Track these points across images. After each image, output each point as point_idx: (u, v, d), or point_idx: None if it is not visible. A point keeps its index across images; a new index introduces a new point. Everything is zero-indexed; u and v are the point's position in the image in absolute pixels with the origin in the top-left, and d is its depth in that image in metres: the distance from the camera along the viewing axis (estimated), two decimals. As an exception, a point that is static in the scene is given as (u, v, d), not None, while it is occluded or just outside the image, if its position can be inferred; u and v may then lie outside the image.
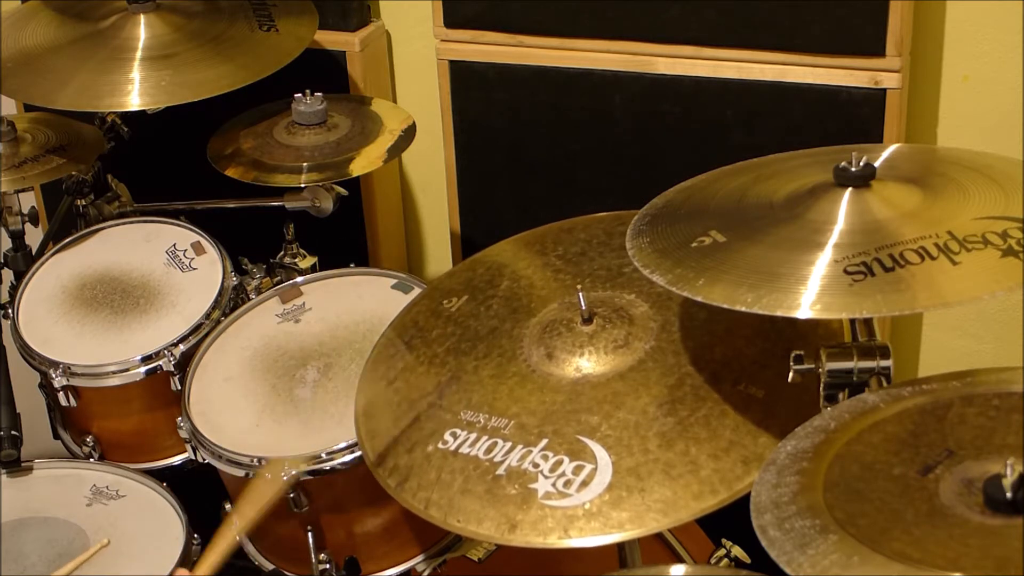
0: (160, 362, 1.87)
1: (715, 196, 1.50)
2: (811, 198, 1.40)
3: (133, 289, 1.99)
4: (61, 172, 2.07)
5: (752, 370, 1.46)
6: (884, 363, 1.33)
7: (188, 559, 1.69)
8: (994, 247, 1.26)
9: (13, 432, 1.88)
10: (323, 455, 1.67)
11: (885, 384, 1.32)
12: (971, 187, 1.38)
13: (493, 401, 1.50)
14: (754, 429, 1.39)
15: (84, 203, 2.15)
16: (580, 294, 1.55)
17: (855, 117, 1.90)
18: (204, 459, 1.76)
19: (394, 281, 1.95)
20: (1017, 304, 2.03)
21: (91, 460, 1.94)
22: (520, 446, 1.44)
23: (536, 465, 1.41)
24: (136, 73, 1.98)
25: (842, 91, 1.89)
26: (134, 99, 1.96)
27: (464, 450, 1.46)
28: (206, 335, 1.89)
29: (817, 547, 1.08)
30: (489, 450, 1.45)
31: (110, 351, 1.90)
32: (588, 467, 1.39)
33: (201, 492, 1.84)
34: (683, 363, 1.48)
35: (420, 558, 1.74)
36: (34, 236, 2.21)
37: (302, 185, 1.99)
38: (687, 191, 1.55)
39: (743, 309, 1.27)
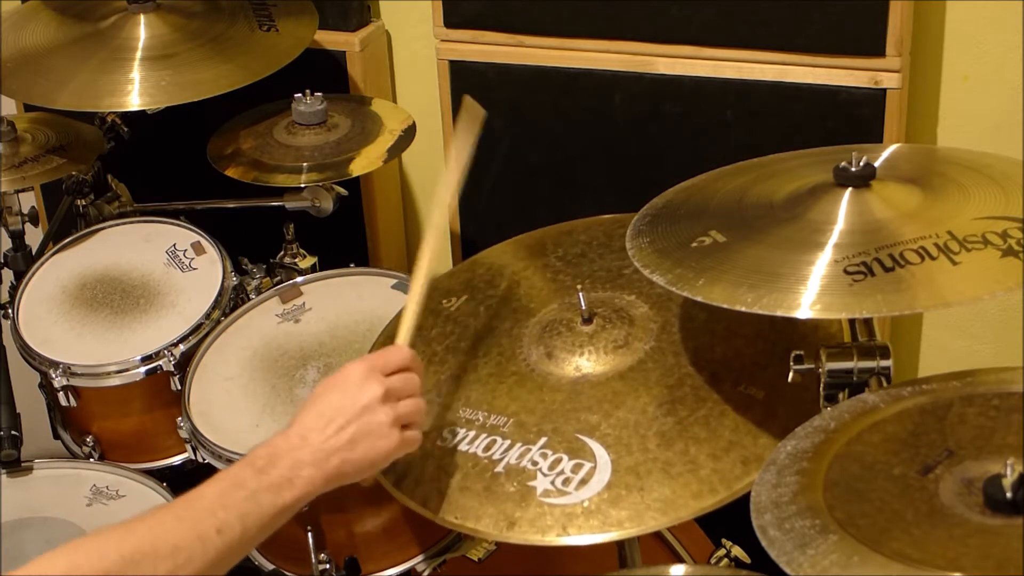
0: (160, 362, 1.87)
1: (715, 196, 1.50)
2: (811, 198, 1.40)
3: (133, 289, 1.99)
4: (61, 172, 2.07)
5: (752, 371, 1.46)
6: (884, 363, 1.33)
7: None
8: (994, 247, 1.26)
9: (13, 432, 1.88)
10: (323, 455, 1.67)
11: (885, 384, 1.32)
12: (971, 187, 1.38)
13: (492, 399, 1.50)
14: (754, 429, 1.39)
15: (84, 203, 2.15)
16: (580, 294, 1.55)
17: (855, 117, 1.90)
18: (204, 459, 1.76)
19: (394, 281, 1.95)
20: (1017, 304, 2.03)
21: (91, 460, 1.94)
22: (519, 444, 1.44)
23: (535, 463, 1.41)
24: (136, 73, 1.98)
25: (842, 91, 1.89)
26: (134, 99, 1.96)
27: (463, 447, 1.46)
28: (206, 335, 1.89)
29: (817, 547, 1.08)
30: (488, 448, 1.45)
31: (110, 351, 1.90)
32: (587, 465, 1.39)
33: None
34: (683, 363, 1.48)
35: (420, 558, 1.73)
36: (34, 236, 2.21)
37: (302, 185, 1.99)
38: (687, 191, 1.55)
39: (743, 309, 1.27)
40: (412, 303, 1.49)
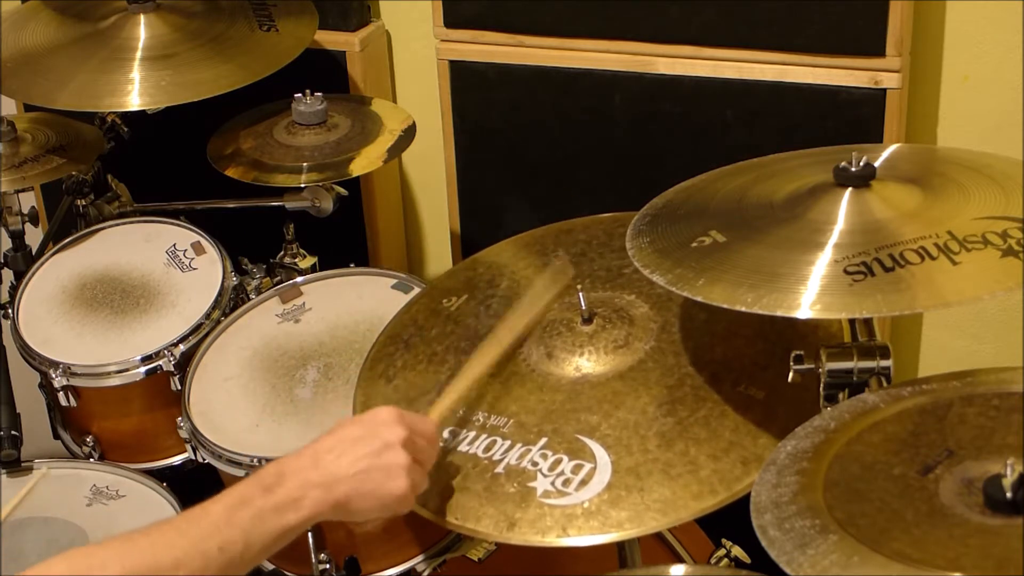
0: (160, 362, 1.87)
1: (715, 196, 1.50)
2: (811, 198, 1.39)
3: (133, 289, 1.99)
4: (61, 172, 2.07)
5: (752, 371, 1.46)
6: (884, 363, 1.32)
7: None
8: (994, 247, 1.26)
9: (13, 432, 1.88)
10: (323, 455, 1.67)
11: (885, 384, 1.32)
12: (971, 187, 1.38)
13: (492, 399, 1.50)
14: (754, 430, 1.39)
15: (84, 203, 2.15)
16: (580, 294, 1.55)
17: (855, 117, 1.90)
18: (204, 459, 1.76)
19: (394, 281, 1.95)
20: (1017, 304, 2.03)
21: (91, 460, 1.94)
22: (519, 444, 1.44)
23: (535, 463, 1.41)
24: (136, 73, 1.98)
25: (842, 91, 1.89)
26: (134, 99, 1.96)
27: (463, 448, 1.46)
28: (206, 335, 1.89)
29: (817, 547, 1.08)
30: (488, 448, 1.45)
31: (110, 351, 1.90)
32: (587, 466, 1.39)
33: (201, 492, 1.83)
34: (683, 363, 1.48)
35: (420, 558, 1.73)
36: (34, 236, 2.21)
37: (302, 185, 1.99)
38: (687, 191, 1.55)
39: (743, 309, 1.27)
40: (457, 389, 1.48)
